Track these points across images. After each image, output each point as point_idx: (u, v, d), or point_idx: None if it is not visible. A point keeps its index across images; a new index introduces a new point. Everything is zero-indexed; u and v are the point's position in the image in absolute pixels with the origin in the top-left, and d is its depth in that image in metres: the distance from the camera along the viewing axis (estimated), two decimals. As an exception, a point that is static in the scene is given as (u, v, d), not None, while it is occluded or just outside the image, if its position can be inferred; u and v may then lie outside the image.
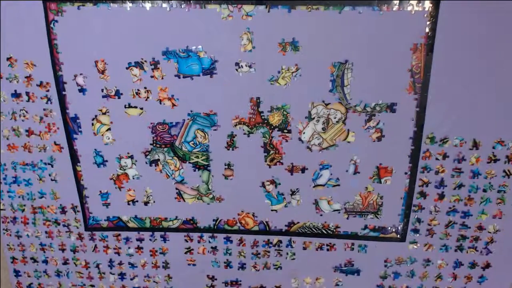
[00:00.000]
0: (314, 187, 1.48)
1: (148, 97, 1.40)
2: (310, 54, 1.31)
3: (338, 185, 1.47)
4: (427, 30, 1.25)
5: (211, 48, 1.33)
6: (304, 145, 1.44)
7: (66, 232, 1.63)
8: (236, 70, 1.34)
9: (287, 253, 1.60)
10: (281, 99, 1.38)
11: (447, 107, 1.34)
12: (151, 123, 1.44)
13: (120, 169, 1.51)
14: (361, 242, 1.56)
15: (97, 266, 1.68)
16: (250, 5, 1.27)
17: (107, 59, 1.36)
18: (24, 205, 1.59)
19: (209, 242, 1.61)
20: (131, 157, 1.49)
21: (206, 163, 1.49)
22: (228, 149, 1.45)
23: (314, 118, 1.40)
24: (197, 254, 1.63)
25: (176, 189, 1.53)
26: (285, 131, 1.42)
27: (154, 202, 1.55)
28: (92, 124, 1.45)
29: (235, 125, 1.42)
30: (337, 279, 1.63)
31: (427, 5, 1.23)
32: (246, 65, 1.34)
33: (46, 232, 1.63)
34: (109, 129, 1.45)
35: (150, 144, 1.47)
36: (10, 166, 1.53)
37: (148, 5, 1.28)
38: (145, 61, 1.35)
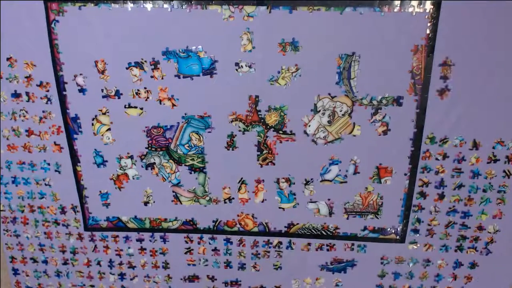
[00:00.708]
0: (321, 181, 1.48)
1: (148, 97, 1.40)
2: (315, 49, 1.31)
3: (346, 182, 1.48)
4: (427, 31, 1.26)
5: (212, 48, 1.33)
6: (309, 138, 1.43)
7: (66, 234, 1.63)
8: (236, 70, 1.34)
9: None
10: (280, 100, 1.38)
11: (447, 107, 1.34)
12: (146, 127, 1.44)
13: (120, 169, 1.51)
14: (361, 242, 1.56)
15: (98, 263, 1.67)
16: (251, 6, 1.27)
17: (107, 59, 1.36)
18: (24, 206, 1.59)
19: (209, 243, 1.61)
20: (131, 157, 1.49)
21: (202, 165, 1.49)
22: (228, 149, 1.45)
23: (319, 111, 1.39)
24: (197, 254, 1.63)
25: (173, 192, 1.53)
26: (281, 132, 1.42)
27: (154, 202, 1.55)
28: (92, 124, 1.45)
29: (231, 121, 1.42)
30: (337, 279, 1.63)
31: (428, 6, 1.23)
32: (246, 65, 1.34)
33: (45, 233, 1.63)
34: (109, 129, 1.45)
35: (146, 148, 1.47)
36: (10, 166, 1.52)
37: (149, 6, 1.28)
38: (145, 61, 1.35)
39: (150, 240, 1.61)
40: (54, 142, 1.48)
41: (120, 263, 1.67)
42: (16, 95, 1.42)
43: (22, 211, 1.60)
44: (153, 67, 1.36)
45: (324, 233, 1.55)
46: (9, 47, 1.36)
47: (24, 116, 1.45)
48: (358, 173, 1.45)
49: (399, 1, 1.24)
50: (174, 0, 1.28)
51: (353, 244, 1.56)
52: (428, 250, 1.54)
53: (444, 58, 1.28)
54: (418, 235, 1.52)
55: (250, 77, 1.35)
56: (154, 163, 1.49)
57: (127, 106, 1.41)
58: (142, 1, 1.28)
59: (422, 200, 1.47)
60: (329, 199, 1.50)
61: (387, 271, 1.59)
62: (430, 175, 1.44)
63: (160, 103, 1.40)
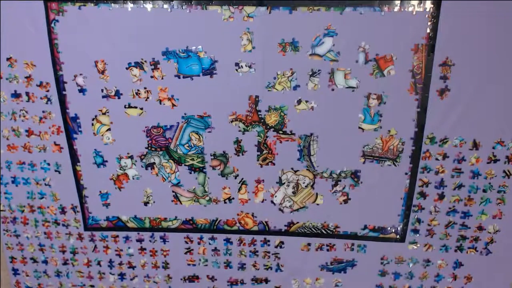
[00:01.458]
0: None
1: (148, 97, 1.39)
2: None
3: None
4: (428, 30, 1.26)
5: (212, 48, 1.33)
6: (276, 207, 1.53)
7: (66, 234, 1.63)
8: (236, 70, 1.34)
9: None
10: (280, 100, 1.38)
11: (447, 107, 1.34)
12: (145, 127, 1.44)
13: (120, 169, 1.50)
14: (361, 242, 1.57)
15: (98, 263, 1.67)
16: (251, 7, 1.27)
17: (107, 59, 1.36)
18: (24, 206, 1.59)
19: (209, 243, 1.61)
20: (131, 157, 1.49)
21: (202, 165, 1.49)
22: (238, 155, 1.46)
23: (284, 183, 1.48)
24: (197, 254, 1.63)
25: (173, 191, 1.53)
26: (281, 132, 1.42)
27: (154, 202, 1.55)
28: (92, 124, 1.45)
29: (231, 121, 1.42)
30: (336, 279, 1.63)
31: (428, 5, 1.23)
32: (246, 65, 1.34)
33: (45, 233, 1.63)
34: (109, 129, 1.45)
35: (145, 148, 1.47)
36: (10, 166, 1.52)
37: (149, 6, 1.28)
38: (145, 61, 1.35)
39: (150, 240, 1.61)
40: (54, 142, 1.47)
41: (120, 263, 1.67)
42: (16, 95, 1.42)
43: (22, 211, 1.60)
44: (153, 67, 1.35)
45: (324, 232, 1.55)
46: (9, 47, 1.36)
47: (24, 116, 1.44)
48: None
49: (399, 1, 1.24)
50: (174, 0, 1.27)
51: (353, 244, 1.56)
52: (428, 250, 1.54)
53: (444, 57, 1.28)
54: (418, 235, 1.52)
55: (250, 77, 1.35)
56: (154, 163, 1.49)
57: (127, 106, 1.41)
58: (142, 1, 1.28)
59: (422, 200, 1.47)
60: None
61: (387, 270, 1.59)
62: (430, 175, 1.44)
63: (160, 103, 1.40)
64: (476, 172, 1.42)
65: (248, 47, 1.32)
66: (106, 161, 1.50)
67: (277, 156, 1.45)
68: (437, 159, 1.41)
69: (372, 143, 1.42)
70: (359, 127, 1.40)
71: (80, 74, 1.38)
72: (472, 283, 1.58)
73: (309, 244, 1.58)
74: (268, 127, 1.42)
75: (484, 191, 1.44)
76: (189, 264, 1.65)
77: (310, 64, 1.33)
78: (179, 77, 1.37)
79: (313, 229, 1.55)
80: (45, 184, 1.54)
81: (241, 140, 1.43)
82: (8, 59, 1.37)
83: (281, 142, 1.43)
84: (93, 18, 1.30)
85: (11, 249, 1.67)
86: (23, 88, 1.41)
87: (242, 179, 1.49)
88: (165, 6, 1.28)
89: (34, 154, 1.50)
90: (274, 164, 1.47)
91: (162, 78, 1.37)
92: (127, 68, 1.36)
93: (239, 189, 1.51)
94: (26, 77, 1.39)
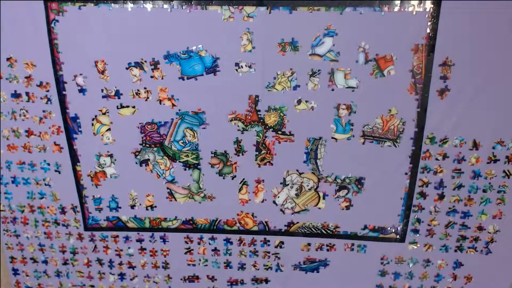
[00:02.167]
0: None
1: (148, 98, 1.39)
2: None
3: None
4: (428, 30, 1.26)
5: (212, 48, 1.33)
6: (277, 208, 1.53)
7: (66, 234, 1.63)
8: (236, 70, 1.34)
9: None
10: (280, 100, 1.38)
11: (447, 107, 1.34)
12: (139, 123, 1.44)
13: (99, 166, 1.51)
14: (361, 242, 1.57)
15: (99, 262, 1.67)
16: (251, 7, 1.27)
17: (107, 59, 1.36)
18: (24, 206, 1.59)
19: (209, 243, 1.61)
20: (111, 155, 1.49)
21: (196, 162, 1.48)
22: (238, 155, 1.45)
23: (288, 184, 1.48)
24: (197, 254, 1.63)
25: (168, 188, 1.53)
26: (280, 132, 1.42)
27: (140, 204, 1.55)
28: (92, 124, 1.45)
29: (231, 121, 1.42)
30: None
31: (428, 5, 1.23)
32: (246, 65, 1.34)
33: (45, 233, 1.63)
34: (109, 129, 1.45)
35: (140, 144, 1.47)
36: (10, 166, 1.52)
37: (149, 6, 1.28)
38: (145, 61, 1.35)
39: (150, 240, 1.61)
40: (54, 142, 1.47)
41: (120, 263, 1.67)
42: (16, 95, 1.42)
43: (22, 211, 1.60)
44: (153, 67, 1.35)
45: (324, 232, 1.55)
46: (9, 47, 1.36)
47: (24, 116, 1.44)
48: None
49: (399, 1, 1.24)
50: (174, 0, 1.27)
51: (353, 244, 1.56)
52: (428, 250, 1.54)
53: (444, 57, 1.28)
54: (418, 235, 1.52)
55: (250, 77, 1.35)
56: (148, 159, 1.49)
57: (119, 107, 1.41)
58: (142, 1, 1.28)
59: (422, 200, 1.47)
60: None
61: (387, 270, 1.59)
62: (430, 175, 1.44)
63: (160, 103, 1.40)
64: (476, 172, 1.42)
65: (248, 47, 1.32)
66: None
67: (276, 157, 1.45)
68: (437, 159, 1.41)
69: (373, 123, 1.41)
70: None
71: (80, 74, 1.38)
72: (472, 283, 1.58)
73: (309, 244, 1.58)
74: (267, 127, 1.42)
75: (484, 191, 1.44)
76: (189, 264, 1.65)
77: (310, 64, 1.33)
78: (183, 79, 1.37)
79: (313, 229, 1.55)
80: (45, 184, 1.54)
81: (241, 140, 1.43)
82: (8, 59, 1.37)
83: (279, 142, 1.43)
84: (93, 18, 1.30)
85: (11, 249, 1.67)
86: (23, 88, 1.41)
87: (243, 179, 1.49)
88: (165, 6, 1.28)
89: (34, 154, 1.50)
90: (272, 164, 1.47)
91: (162, 78, 1.37)
92: (127, 68, 1.36)
93: (240, 189, 1.51)
94: (26, 77, 1.39)
